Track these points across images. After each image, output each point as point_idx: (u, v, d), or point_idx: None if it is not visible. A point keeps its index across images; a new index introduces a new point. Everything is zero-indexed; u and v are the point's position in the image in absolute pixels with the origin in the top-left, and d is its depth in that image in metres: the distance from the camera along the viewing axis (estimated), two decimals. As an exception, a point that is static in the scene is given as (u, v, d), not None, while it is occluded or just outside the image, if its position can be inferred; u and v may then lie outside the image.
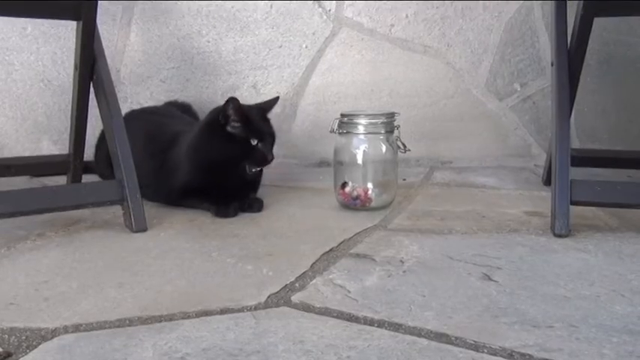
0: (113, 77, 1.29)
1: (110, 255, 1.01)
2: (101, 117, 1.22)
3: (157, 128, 1.45)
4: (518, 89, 1.79)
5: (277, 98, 1.34)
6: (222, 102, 1.24)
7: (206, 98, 1.83)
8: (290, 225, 1.18)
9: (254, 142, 1.23)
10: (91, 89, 1.25)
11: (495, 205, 1.29)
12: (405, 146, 1.29)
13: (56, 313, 0.78)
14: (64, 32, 1.77)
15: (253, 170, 1.26)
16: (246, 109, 1.26)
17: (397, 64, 1.80)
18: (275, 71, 1.82)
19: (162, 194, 1.34)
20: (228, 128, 1.23)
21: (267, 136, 1.28)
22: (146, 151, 1.37)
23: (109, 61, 1.26)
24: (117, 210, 1.20)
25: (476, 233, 1.09)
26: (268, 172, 1.49)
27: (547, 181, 1.45)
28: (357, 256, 0.97)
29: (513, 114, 1.79)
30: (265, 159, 1.26)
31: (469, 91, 1.79)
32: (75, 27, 1.22)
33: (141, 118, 1.53)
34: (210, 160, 1.24)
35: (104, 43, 1.25)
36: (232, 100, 1.22)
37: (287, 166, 1.82)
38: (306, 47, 1.81)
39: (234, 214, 1.24)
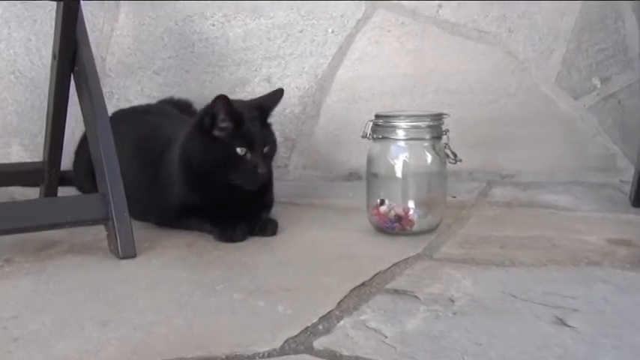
0: (98, 68, 1.32)
1: (91, 286, 1.02)
2: (83, 116, 1.24)
3: (150, 131, 1.47)
4: (599, 85, 1.77)
5: (281, 92, 1.33)
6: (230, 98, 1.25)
7: (209, 94, 1.82)
8: (311, 252, 1.18)
9: (241, 151, 1.22)
10: (72, 83, 1.28)
11: (570, 231, 1.27)
12: (455, 155, 1.28)
13: (27, 356, 0.79)
14: (41, 14, 1.81)
15: (249, 187, 1.25)
16: (239, 107, 1.25)
17: (446, 53, 1.80)
18: (294, 61, 1.83)
19: (154, 212, 1.35)
20: (215, 132, 1.23)
21: (260, 143, 1.25)
22: (136, 159, 1.38)
23: (93, 48, 1.28)
24: (100, 231, 1.21)
25: (545, 266, 1.08)
26: (285, 187, 1.50)
27: (636, 202, 1.43)
28: (396, 292, 0.97)
29: (592, 116, 1.78)
30: (254, 174, 1.23)
31: (536, 87, 1.78)
32: (54, 8, 1.24)
33: (130, 118, 1.56)
34: (199, 171, 1.25)
35: (88, 27, 1.27)
36: (221, 99, 1.22)
37: (308, 179, 1.83)
38: (333, 32, 1.82)
39: (242, 238, 1.24)
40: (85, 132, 1.47)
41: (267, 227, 1.28)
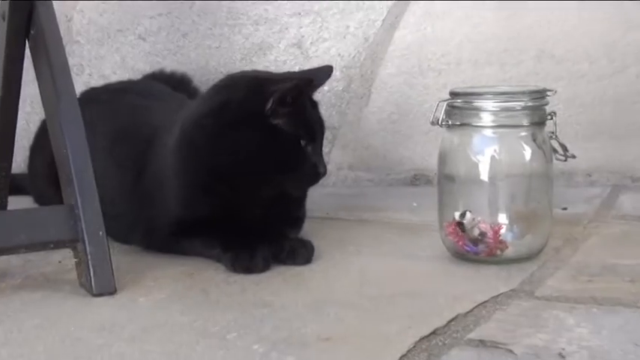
0: (62, 32, 1.33)
1: (55, 334, 1.03)
2: (42, 99, 1.26)
3: (131, 118, 1.49)
4: None
5: (330, 69, 1.37)
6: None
7: (215, 66, 1.87)
8: (361, 287, 1.18)
9: (303, 143, 1.27)
10: (27, 52, 1.30)
11: None
12: (565, 149, 1.27)
13: None
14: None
15: (299, 192, 1.30)
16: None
17: (549, 5, 1.78)
18: (334, 19, 1.84)
19: (139, 231, 1.37)
20: (274, 119, 1.26)
21: (320, 132, 1.32)
22: (112, 157, 1.41)
23: (55, 4, 1.30)
24: (66, 257, 1.23)
25: (698, 307, 1.07)
26: (323, 195, 1.50)
27: None
28: (481, 343, 0.97)
29: None
30: (315, 174, 1.29)
31: (683, 50, 1.76)
32: (2, -50, 1.27)
33: (103, 101, 1.58)
34: (227, 172, 1.27)
35: (48, -25, 1.30)
36: (305, 84, 1.26)
37: (355, 184, 1.83)
38: (389, -24, 1.83)
39: (264, 268, 1.25)
40: (44, 120, 1.49)
41: (298, 252, 1.28)
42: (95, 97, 1.60)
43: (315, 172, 1.29)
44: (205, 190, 1.29)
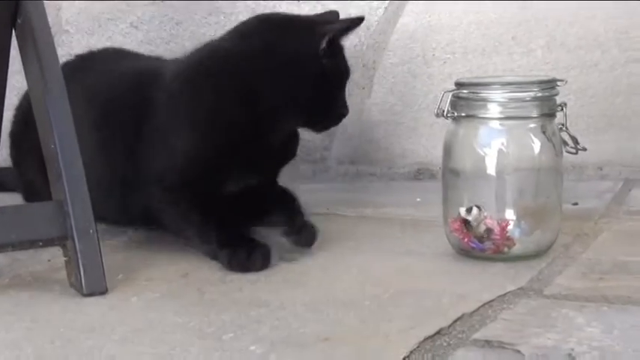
0: (51, 21, 1.34)
1: (45, 335, 1.03)
2: (29, 91, 1.27)
3: (110, 82, 1.49)
4: None
5: (336, 14, 1.43)
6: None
7: (211, 56, 1.87)
8: (362, 286, 1.18)
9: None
10: (13, 42, 1.30)
11: None
12: (576, 142, 1.27)
13: None
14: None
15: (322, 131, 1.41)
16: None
17: (560, -10, 1.79)
18: (334, 6, 1.83)
19: (131, 200, 1.37)
20: (324, 60, 1.32)
21: (347, 75, 1.41)
22: (93, 126, 1.41)
23: (43, -8, 1.31)
24: (55, 256, 1.24)
25: None
26: (323, 190, 1.50)
27: None
28: (487, 344, 0.97)
29: None
30: (340, 116, 1.40)
31: (699, 38, 1.76)
32: None
33: (80, 72, 1.55)
34: (262, 111, 1.30)
35: (36, -39, 1.30)
36: (356, 24, 1.34)
37: (356, 179, 1.83)
38: (392, -39, 1.83)
39: (263, 266, 1.26)
40: (20, 102, 1.49)
41: (302, 233, 1.32)
42: (70, 71, 1.55)
43: (341, 113, 1.38)
44: (226, 125, 1.32)
